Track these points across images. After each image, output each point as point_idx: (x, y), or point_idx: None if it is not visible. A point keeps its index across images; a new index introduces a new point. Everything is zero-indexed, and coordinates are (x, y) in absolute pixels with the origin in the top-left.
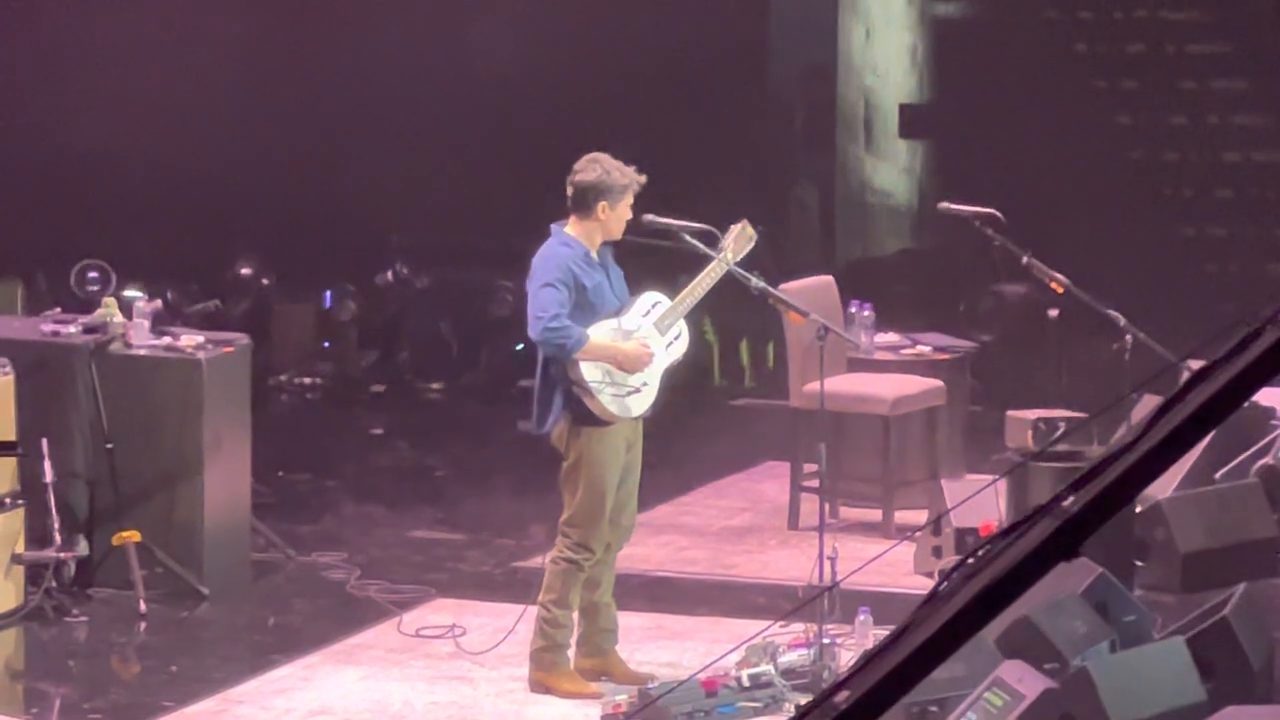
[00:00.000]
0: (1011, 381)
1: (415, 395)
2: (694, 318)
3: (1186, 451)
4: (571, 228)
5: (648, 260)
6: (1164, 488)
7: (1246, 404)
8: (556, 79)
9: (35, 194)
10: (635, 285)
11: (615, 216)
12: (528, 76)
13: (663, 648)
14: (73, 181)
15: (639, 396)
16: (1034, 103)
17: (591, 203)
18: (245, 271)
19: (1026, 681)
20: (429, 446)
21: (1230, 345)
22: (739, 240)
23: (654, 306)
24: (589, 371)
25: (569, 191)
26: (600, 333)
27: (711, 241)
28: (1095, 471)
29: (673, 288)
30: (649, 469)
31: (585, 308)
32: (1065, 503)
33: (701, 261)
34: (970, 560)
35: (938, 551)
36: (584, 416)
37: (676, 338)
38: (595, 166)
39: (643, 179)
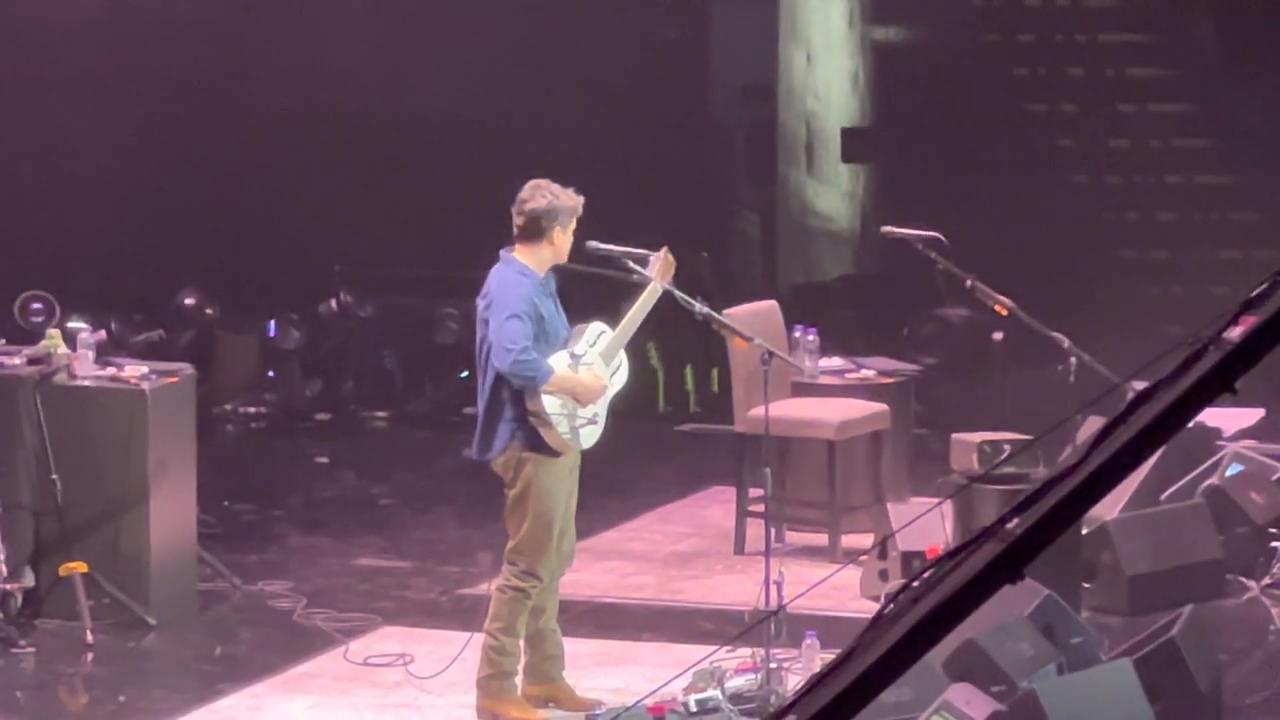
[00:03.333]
0: (956, 404)
1: (360, 424)
2: (638, 344)
3: (1129, 474)
4: (522, 255)
5: (589, 288)
6: (1110, 509)
7: (1192, 425)
8: (497, 107)
9: None
10: (575, 312)
11: (565, 239)
12: (468, 105)
13: (609, 673)
14: (15, 213)
15: (592, 428)
16: (975, 126)
17: (546, 228)
18: (189, 302)
19: (974, 704)
20: (374, 475)
21: (1172, 367)
22: (663, 267)
23: (600, 336)
24: (549, 403)
25: (519, 220)
26: (556, 363)
27: (648, 265)
28: (1039, 494)
29: (613, 315)
30: (595, 495)
31: (541, 338)
32: (1009, 525)
33: (637, 289)
34: (915, 584)
35: (884, 575)
36: (537, 446)
37: (618, 368)
38: (543, 193)
39: (582, 199)
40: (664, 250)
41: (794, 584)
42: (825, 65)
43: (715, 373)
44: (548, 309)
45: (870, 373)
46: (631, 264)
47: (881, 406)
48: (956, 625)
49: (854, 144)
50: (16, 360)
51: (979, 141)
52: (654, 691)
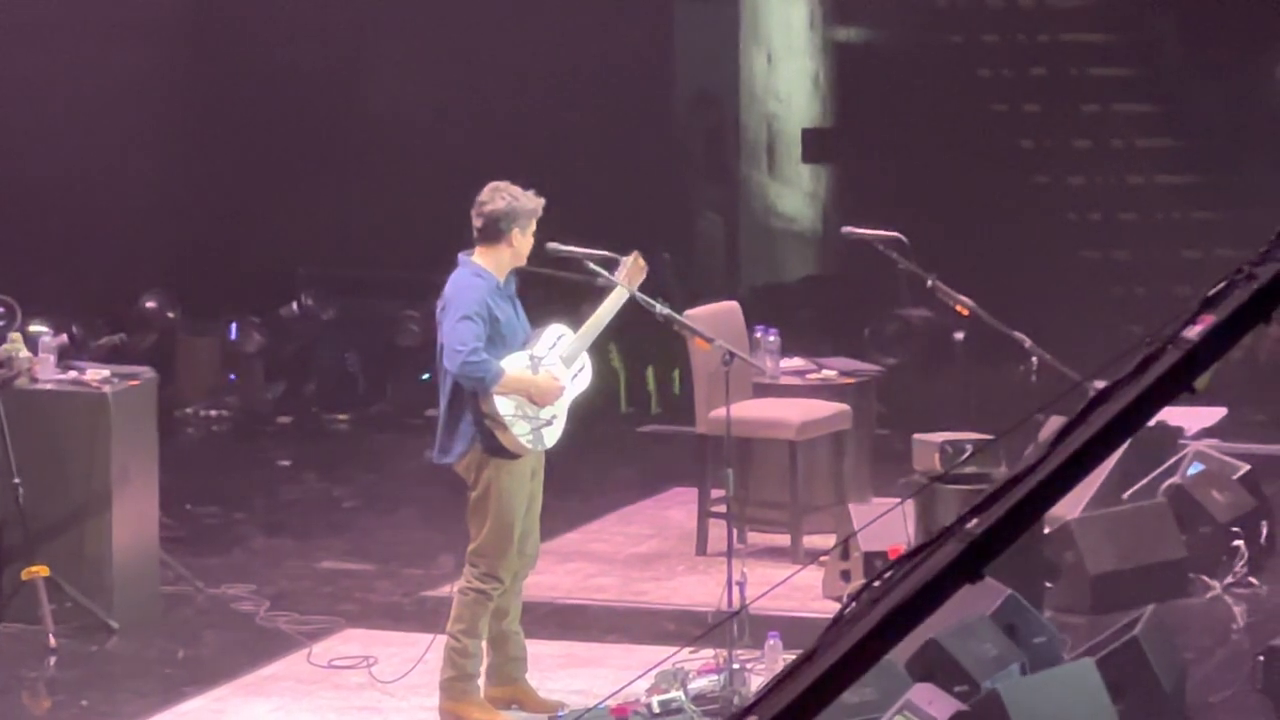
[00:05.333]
0: (918, 405)
1: (322, 426)
2: (599, 345)
3: (1088, 474)
4: (480, 257)
5: (548, 290)
6: (1073, 509)
7: (1154, 424)
8: (458, 109)
9: None
10: (534, 315)
11: (525, 241)
12: (429, 107)
13: (573, 675)
14: None
15: (550, 429)
16: (937, 127)
17: (505, 230)
18: (150, 305)
19: (937, 705)
20: (336, 477)
21: (1131, 366)
22: (632, 272)
23: (560, 339)
24: (502, 405)
25: (477, 223)
26: (513, 365)
27: (614, 268)
28: (999, 494)
29: (573, 318)
30: (557, 496)
31: (497, 340)
32: (969, 525)
33: (599, 293)
34: (875, 584)
35: (846, 575)
36: (495, 448)
37: (580, 370)
38: (502, 195)
39: (542, 201)
40: (634, 255)
41: (756, 585)
42: (786, 66)
43: (676, 374)
44: (504, 311)
45: (831, 373)
46: (594, 266)
47: (843, 407)
48: (916, 626)
49: (815, 145)
50: None
51: (941, 142)
52: (617, 693)
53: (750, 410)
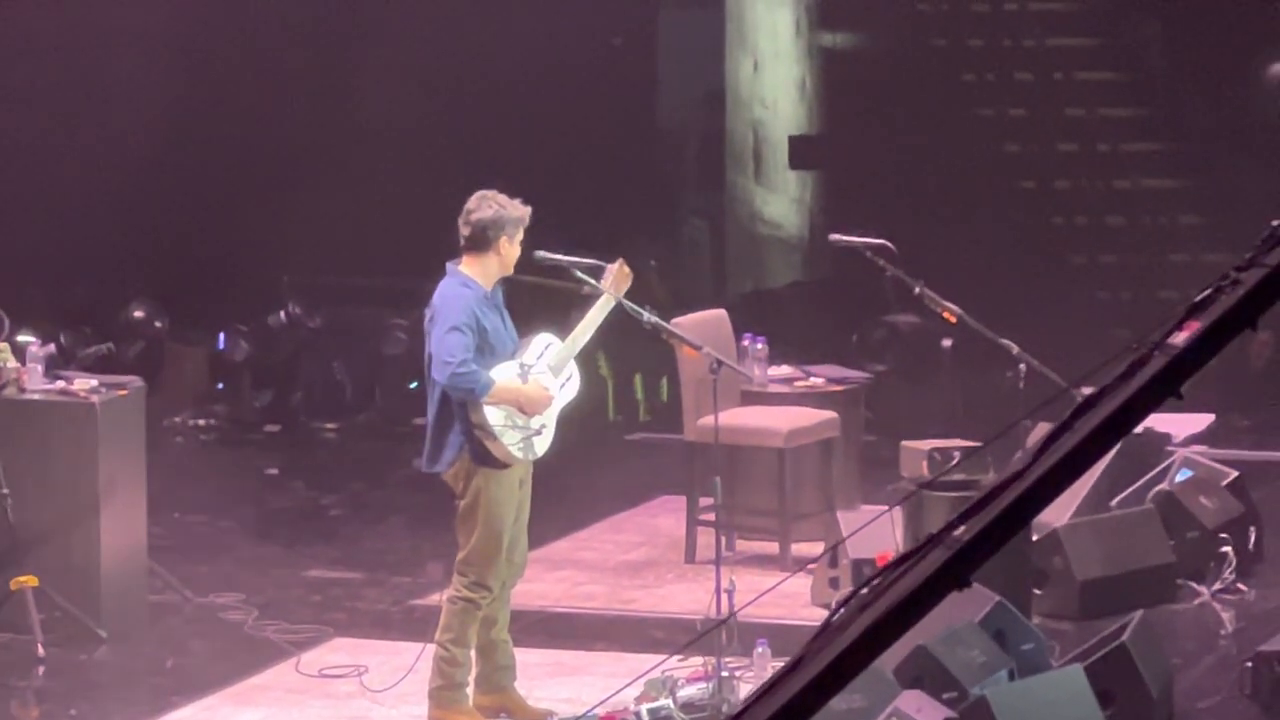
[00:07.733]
0: (906, 411)
1: (310, 435)
2: (588, 353)
3: (1075, 480)
4: (468, 266)
5: (534, 299)
6: (1060, 515)
7: (1142, 430)
8: (445, 117)
9: None
10: (521, 323)
11: (513, 250)
12: (415, 115)
13: (561, 683)
14: None
15: (539, 439)
16: (923, 132)
17: (492, 239)
18: (138, 314)
19: (925, 712)
20: (324, 486)
21: (1118, 372)
22: (618, 279)
23: (547, 348)
24: (492, 415)
25: (465, 231)
26: (502, 374)
27: (600, 276)
28: (986, 501)
29: (561, 326)
30: (545, 504)
31: (485, 350)
32: (956, 532)
33: (586, 301)
34: (863, 591)
35: (835, 582)
36: (484, 458)
37: (568, 379)
38: (489, 203)
39: (529, 209)
40: (619, 262)
41: (745, 592)
42: (772, 72)
43: (664, 382)
44: (491, 321)
45: (819, 380)
46: (582, 275)
47: (831, 414)
48: (903, 633)
49: (802, 151)
50: None
51: (927, 147)
52: (605, 701)
53: (738, 418)
